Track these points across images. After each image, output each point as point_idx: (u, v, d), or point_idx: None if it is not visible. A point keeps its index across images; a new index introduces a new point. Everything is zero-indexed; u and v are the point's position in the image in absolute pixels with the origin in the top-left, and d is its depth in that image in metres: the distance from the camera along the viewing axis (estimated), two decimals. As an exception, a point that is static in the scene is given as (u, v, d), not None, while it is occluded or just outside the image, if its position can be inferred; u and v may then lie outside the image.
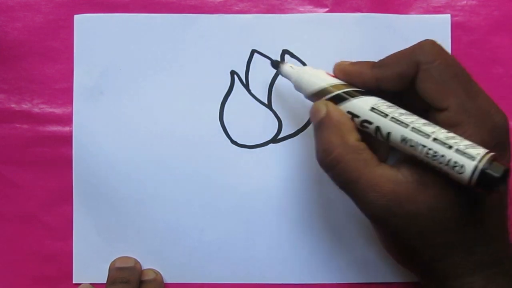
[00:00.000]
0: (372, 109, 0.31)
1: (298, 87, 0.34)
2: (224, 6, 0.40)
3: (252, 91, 0.39)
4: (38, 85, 0.40)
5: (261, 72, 0.39)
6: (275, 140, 0.39)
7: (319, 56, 0.39)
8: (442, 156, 0.28)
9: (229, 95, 0.39)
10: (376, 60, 0.32)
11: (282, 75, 0.36)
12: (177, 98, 0.39)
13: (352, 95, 0.32)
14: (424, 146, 0.28)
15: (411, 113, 0.30)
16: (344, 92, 0.32)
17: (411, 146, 0.29)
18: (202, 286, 0.40)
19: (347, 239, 0.39)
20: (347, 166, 0.30)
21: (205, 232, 0.39)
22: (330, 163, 0.31)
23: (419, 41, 0.32)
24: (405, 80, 0.31)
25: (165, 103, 0.39)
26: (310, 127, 0.39)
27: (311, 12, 0.39)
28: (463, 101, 0.29)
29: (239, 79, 0.39)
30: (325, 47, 0.39)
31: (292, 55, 0.39)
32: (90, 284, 0.39)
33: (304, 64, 0.39)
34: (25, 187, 0.40)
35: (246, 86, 0.39)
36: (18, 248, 0.40)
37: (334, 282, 0.39)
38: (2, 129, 0.40)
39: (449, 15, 0.39)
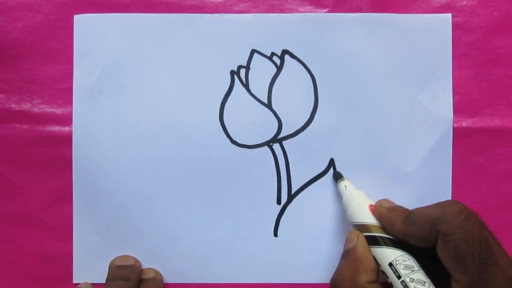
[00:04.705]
0: (390, 264, 0.33)
1: (344, 209, 0.37)
2: (224, 6, 0.40)
3: (252, 91, 0.39)
4: (38, 85, 0.40)
5: (261, 72, 0.39)
6: (275, 140, 0.39)
7: (319, 56, 0.39)
8: None
9: (229, 95, 0.39)
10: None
11: (337, 189, 0.38)
12: (177, 98, 0.39)
13: (379, 242, 0.34)
14: None
15: (424, 279, 0.32)
16: (374, 236, 0.34)
17: None
18: (202, 286, 0.40)
19: (347, 239, 0.39)
20: None
21: (205, 232, 0.39)
22: None
23: (444, 201, 0.33)
24: (427, 243, 0.32)
25: (165, 103, 0.39)
26: (310, 127, 0.39)
27: (311, 12, 0.39)
28: (473, 281, 0.29)
29: (239, 79, 0.39)
30: (325, 47, 0.39)
31: (292, 55, 0.39)
32: (90, 284, 0.39)
33: (304, 65, 0.39)
34: (25, 187, 0.40)
35: (246, 86, 0.39)
36: (18, 248, 0.40)
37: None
38: (2, 129, 0.40)
39: (450, 14, 0.39)
